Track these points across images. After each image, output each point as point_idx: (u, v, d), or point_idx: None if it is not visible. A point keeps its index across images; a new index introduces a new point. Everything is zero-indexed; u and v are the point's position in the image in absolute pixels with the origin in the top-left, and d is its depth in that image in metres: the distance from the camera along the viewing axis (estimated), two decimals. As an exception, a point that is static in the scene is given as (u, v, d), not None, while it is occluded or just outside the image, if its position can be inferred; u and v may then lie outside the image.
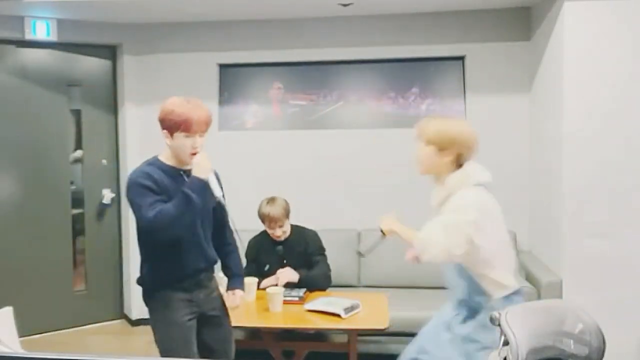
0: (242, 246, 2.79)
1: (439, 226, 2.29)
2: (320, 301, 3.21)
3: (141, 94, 4.76)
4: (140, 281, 2.59)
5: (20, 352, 2.15)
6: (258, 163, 4.66)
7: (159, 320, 2.54)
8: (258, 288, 3.41)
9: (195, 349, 2.54)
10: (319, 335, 3.57)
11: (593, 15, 3.54)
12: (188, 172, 2.46)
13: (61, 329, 4.66)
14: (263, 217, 3.55)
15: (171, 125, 2.40)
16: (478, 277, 2.32)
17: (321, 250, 3.68)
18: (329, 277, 3.62)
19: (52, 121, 4.62)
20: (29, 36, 4.32)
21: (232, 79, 4.76)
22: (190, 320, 2.53)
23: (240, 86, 4.77)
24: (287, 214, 3.57)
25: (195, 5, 4.11)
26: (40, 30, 4.35)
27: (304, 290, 3.37)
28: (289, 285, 3.42)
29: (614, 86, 3.55)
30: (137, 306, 4.83)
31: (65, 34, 4.45)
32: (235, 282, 2.76)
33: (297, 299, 3.27)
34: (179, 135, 2.40)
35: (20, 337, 2.53)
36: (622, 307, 3.53)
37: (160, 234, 2.36)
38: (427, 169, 2.41)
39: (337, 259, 3.84)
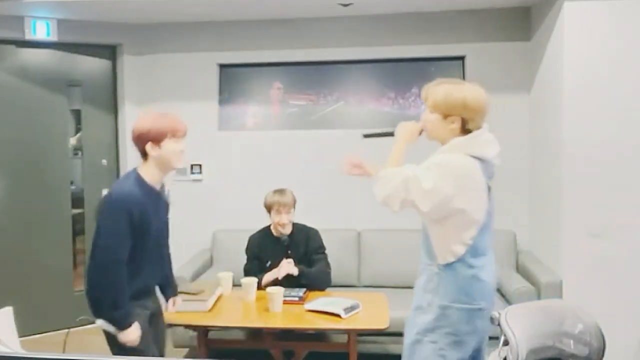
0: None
1: (404, 176, 2.22)
2: (320, 301, 3.21)
3: (141, 94, 4.77)
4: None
5: (20, 352, 2.15)
6: (258, 163, 4.67)
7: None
8: (259, 285, 3.41)
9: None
10: (319, 335, 3.57)
11: (593, 15, 3.54)
12: (162, 192, 2.61)
13: (61, 329, 4.66)
14: (271, 204, 3.57)
15: (158, 135, 2.45)
16: (431, 234, 2.28)
17: (321, 249, 3.68)
18: (328, 276, 3.61)
19: (52, 121, 4.62)
20: (29, 36, 4.32)
21: (232, 79, 4.76)
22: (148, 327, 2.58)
23: (240, 86, 4.77)
24: (294, 203, 3.63)
25: (195, 5, 4.11)
26: (40, 30, 4.35)
27: (304, 290, 3.37)
28: (289, 285, 3.42)
29: (614, 86, 3.55)
30: (137, 306, 4.83)
31: (65, 34, 4.44)
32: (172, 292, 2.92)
33: (297, 299, 3.27)
34: (168, 142, 2.47)
35: (20, 337, 2.53)
36: (622, 307, 3.53)
37: (96, 277, 2.38)
38: (432, 136, 2.33)
39: (337, 259, 3.84)
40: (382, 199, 2.28)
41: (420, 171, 2.21)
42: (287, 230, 3.61)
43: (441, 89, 2.28)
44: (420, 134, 2.41)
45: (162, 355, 2.74)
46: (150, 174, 2.51)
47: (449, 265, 2.24)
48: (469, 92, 2.25)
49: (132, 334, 2.43)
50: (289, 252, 3.58)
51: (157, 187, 2.56)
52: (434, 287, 2.27)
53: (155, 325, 2.68)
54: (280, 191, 3.61)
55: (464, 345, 2.24)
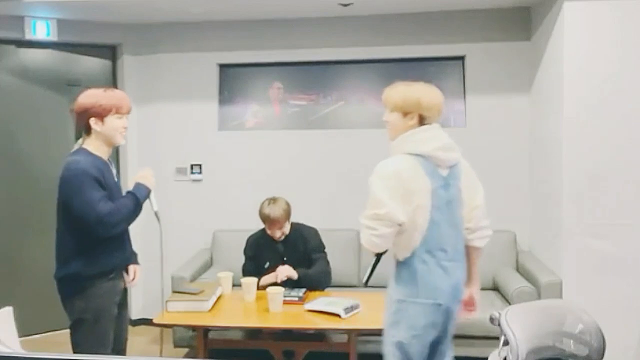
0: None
1: (366, 223, 2.33)
2: (320, 301, 3.21)
3: (141, 94, 4.76)
4: (69, 275, 2.61)
5: (20, 352, 2.15)
6: (258, 163, 4.66)
7: (89, 312, 2.56)
8: (258, 286, 3.41)
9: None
10: (319, 335, 3.57)
11: (593, 15, 3.54)
12: (110, 163, 2.64)
13: (61, 329, 4.66)
14: (264, 218, 3.54)
15: (101, 111, 2.51)
16: None
17: (321, 248, 3.67)
18: (328, 275, 3.61)
19: (52, 121, 4.61)
20: (29, 36, 4.32)
21: (232, 79, 4.76)
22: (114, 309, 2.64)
23: (240, 86, 4.77)
24: (287, 216, 3.56)
25: (195, 5, 4.11)
26: (40, 30, 4.35)
27: (304, 290, 3.36)
28: (288, 285, 3.42)
29: (614, 86, 3.55)
30: (137, 306, 4.83)
31: (65, 34, 4.44)
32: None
33: (297, 299, 3.27)
34: (111, 118, 2.53)
35: (20, 337, 2.53)
36: (622, 307, 3.53)
37: (109, 229, 2.48)
38: (393, 134, 2.45)
39: (337, 259, 3.84)
40: (368, 248, 2.38)
41: (370, 205, 2.33)
42: (282, 239, 3.59)
43: (398, 90, 2.47)
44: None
45: (122, 347, 2.76)
46: (95, 147, 2.55)
47: (404, 261, 2.32)
48: (423, 91, 2.45)
49: (147, 176, 2.62)
50: (285, 260, 3.57)
51: (105, 159, 2.61)
52: (393, 283, 2.37)
53: (120, 316, 2.70)
54: (273, 202, 3.53)
55: (422, 340, 2.30)
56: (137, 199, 2.56)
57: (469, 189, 2.44)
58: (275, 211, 3.49)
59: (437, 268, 2.30)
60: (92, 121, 2.52)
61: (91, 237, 2.51)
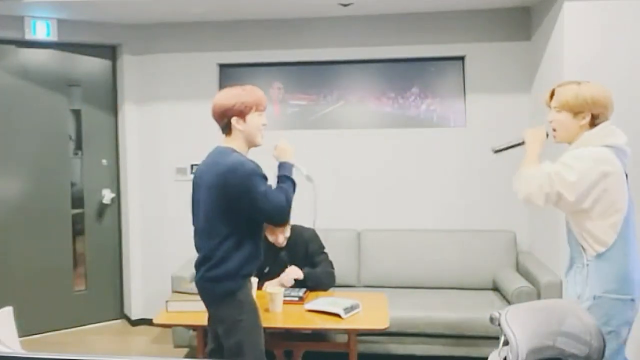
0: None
1: (546, 171, 2.27)
2: (320, 301, 3.21)
3: (141, 94, 4.77)
4: (224, 275, 2.50)
5: (20, 352, 2.14)
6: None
7: (251, 312, 2.55)
8: (259, 286, 3.41)
9: None
10: (319, 335, 3.57)
11: (593, 15, 3.54)
12: None
13: (61, 329, 4.66)
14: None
15: (243, 109, 2.49)
16: (577, 227, 2.31)
17: (322, 249, 3.67)
18: (333, 275, 3.60)
19: (52, 121, 4.62)
20: (29, 36, 4.32)
21: (232, 79, 4.75)
22: None
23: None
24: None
25: (195, 5, 4.11)
26: (40, 30, 4.35)
27: (304, 290, 3.36)
28: (293, 285, 3.41)
29: (614, 86, 3.53)
30: (137, 306, 4.83)
31: (65, 34, 4.45)
32: None
33: (297, 299, 3.27)
34: (253, 116, 2.52)
35: (20, 337, 2.53)
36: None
37: (285, 216, 2.48)
38: (563, 137, 2.40)
39: (337, 259, 3.83)
40: (524, 196, 2.32)
41: (561, 167, 2.26)
42: (285, 243, 3.56)
43: (569, 89, 2.37)
44: (547, 137, 2.48)
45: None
46: (239, 147, 2.54)
47: (600, 256, 2.25)
48: (595, 88, 2.35)
49: (284, 149, 2.68)
50: (286, 266, 3.54)
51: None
52: (583, 279, 2.28)
53: None
54: None
55: (618, 337, 2.22)
56: (289, 179, 2.60)
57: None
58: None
59: (632, 262, 2.24)
60: (234, 120, 2.49)
61: (250, 236, 2.51)
